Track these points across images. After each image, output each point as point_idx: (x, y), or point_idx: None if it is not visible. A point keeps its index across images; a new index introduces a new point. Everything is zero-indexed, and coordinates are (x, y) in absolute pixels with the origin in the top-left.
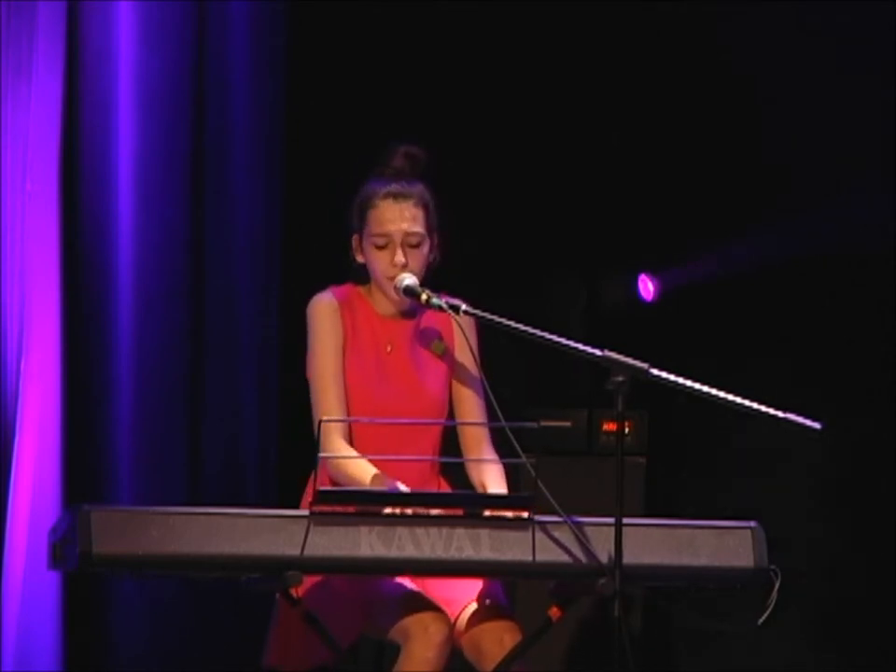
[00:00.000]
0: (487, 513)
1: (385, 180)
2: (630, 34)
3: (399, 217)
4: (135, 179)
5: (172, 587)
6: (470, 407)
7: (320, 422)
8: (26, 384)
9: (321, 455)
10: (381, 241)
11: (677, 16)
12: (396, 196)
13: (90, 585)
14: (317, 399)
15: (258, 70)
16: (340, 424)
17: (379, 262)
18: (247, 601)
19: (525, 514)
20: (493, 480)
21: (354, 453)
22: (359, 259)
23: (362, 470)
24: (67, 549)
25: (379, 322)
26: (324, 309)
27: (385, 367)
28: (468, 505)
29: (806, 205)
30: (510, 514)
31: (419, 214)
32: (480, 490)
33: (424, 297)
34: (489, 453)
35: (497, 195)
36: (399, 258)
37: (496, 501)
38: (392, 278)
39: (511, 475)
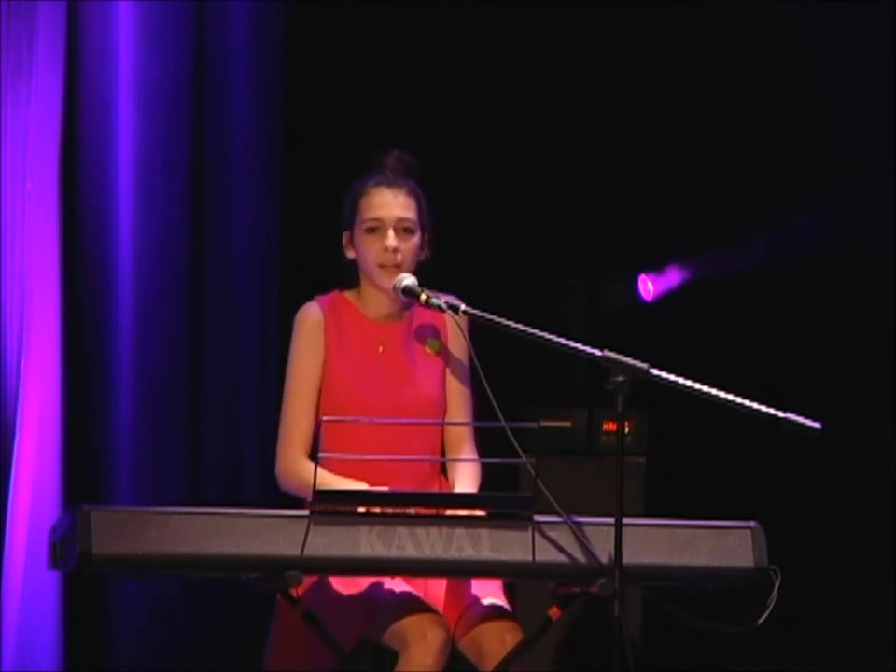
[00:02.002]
0: (448, 513)
1: (377, 174)
2: (630, 33)
3: (391, 203)
4: (135, 179)
5: (172, 587)
6: (458, 406)
7: (320, 422)
8: (26, 384)
9: (321, 455)
10: (372, 224)
11: (676, 17)
12: (388, 184)
13: (90, 585)
14: (285, 411)
15: (258, 70)
16: (303, 442)
17: (370, 248)
18: (247, 601)
19: (482, 513)
20: (462, 479)
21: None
22: (350, 254)
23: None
24: (67, 549)
25: (368, 325)
26: (306, 324)
27: (377, 369)
28: (463, 505)
29: (807, 205)
30: (464, 513)
31: (412, 203)
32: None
33: (423, 297)
34: (469, 452)
35: (497, 195)
36: (391, 241)
37: (495, 501)
38: (383, 266)
39: (511, 475)
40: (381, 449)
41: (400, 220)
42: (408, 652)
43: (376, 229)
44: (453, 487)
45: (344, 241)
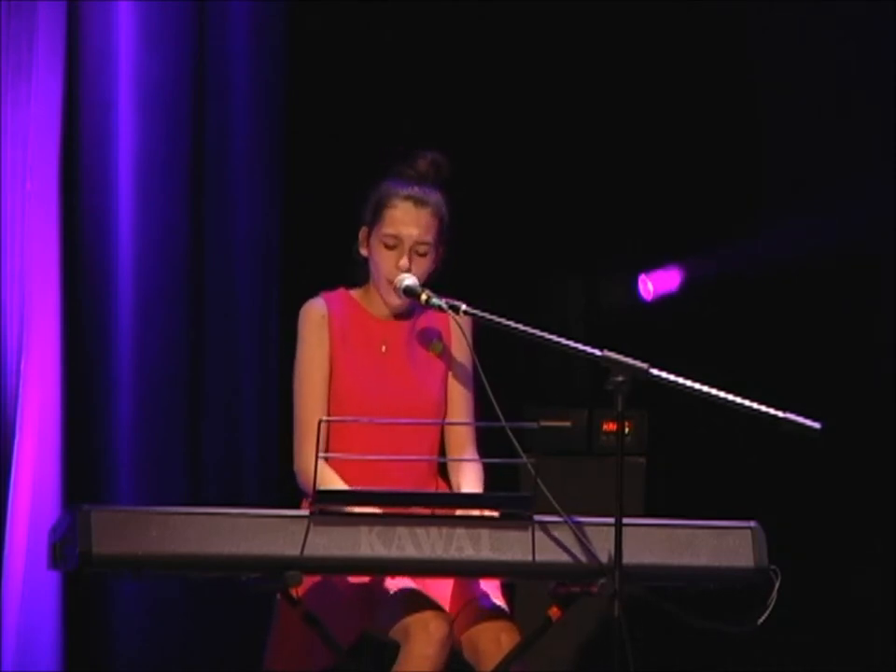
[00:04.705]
0: (476, 513)
1: (407, 182)
2: (630, 34)
3: (413, 223)
4: (135, 179)
5: (172, 587)
6: (460, 409)
7: (320, 422)
8: (26, 384)
9: (321, 455)
10: (391, 241)
11: (676, 17)
12: (416, 201)
13: (90, 585)
14: (298, 408)
15: (258, 70)
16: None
17: (384, 262)
18: (247, 601)
19: (495, 514)
20: (468, 480)
21: (330, 470)
22: (363, 251)
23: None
24: (67, 549)
25: (373, 323)
26: (312, 318)
27: (380, 368)
28: (465, 505)
29: (807, 205)
30: (476, 513)
31: (433, 224)
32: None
33: (424, 297)
34: (471, 454)
35: (497, 195)
36: (404, 262)
37: (495, 501)
38: (392, 282)
39: (511, 475)
40: (378, 449)
41: (418, 243)
42: (409, 644)
43: (394, 246)
44: (458, 489)
45: (361, 236)
